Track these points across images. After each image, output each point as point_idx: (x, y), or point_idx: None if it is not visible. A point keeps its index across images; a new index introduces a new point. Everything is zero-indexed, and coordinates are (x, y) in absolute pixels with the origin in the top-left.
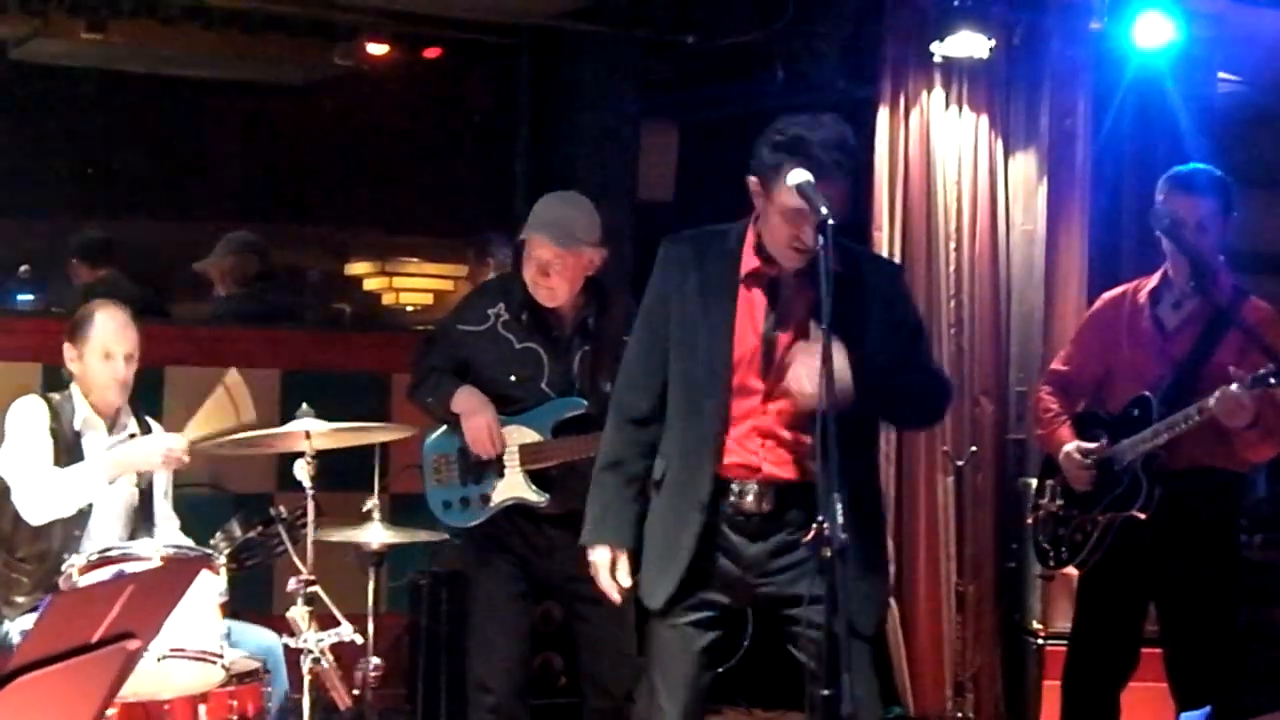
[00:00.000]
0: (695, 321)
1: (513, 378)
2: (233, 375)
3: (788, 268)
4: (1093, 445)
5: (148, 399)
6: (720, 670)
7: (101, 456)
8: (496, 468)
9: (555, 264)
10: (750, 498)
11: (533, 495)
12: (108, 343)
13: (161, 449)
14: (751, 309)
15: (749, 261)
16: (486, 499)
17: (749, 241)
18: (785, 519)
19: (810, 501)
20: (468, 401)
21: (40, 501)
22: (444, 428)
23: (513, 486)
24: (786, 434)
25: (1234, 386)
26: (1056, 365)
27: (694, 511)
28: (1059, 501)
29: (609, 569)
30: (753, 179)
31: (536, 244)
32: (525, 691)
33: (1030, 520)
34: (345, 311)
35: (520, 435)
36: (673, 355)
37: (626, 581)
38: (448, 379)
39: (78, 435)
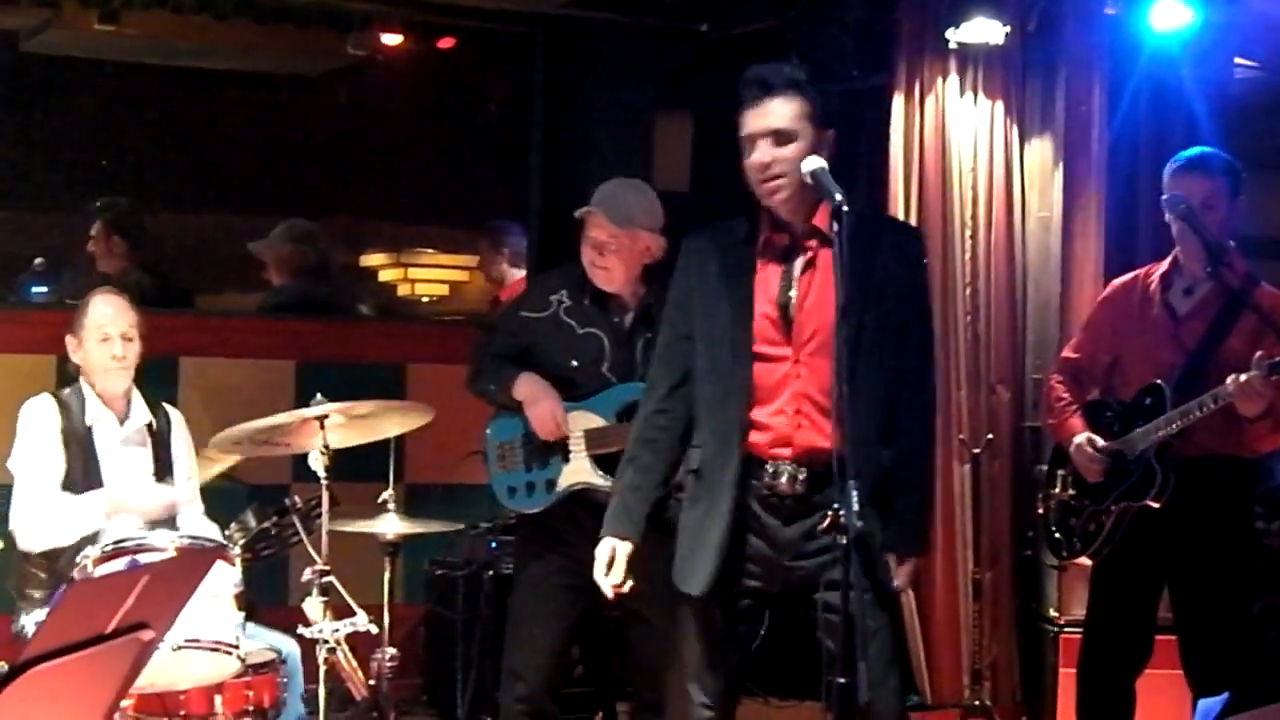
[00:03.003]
0: (718, 305)
1: (575, 363)
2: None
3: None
4: (1103, 443)
5: (164, 389)
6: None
7: (103, 495)
8: (562, 453)
9: (610, 244)
10: (784, 479)
11: (599, 480)
12: (104, 325)
13: (165, 502)
14: (767, 278)
15: (763, 235)
16: (552, 484)
17: (764, 219)
18: (819, 501)
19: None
20: (530, 388)
21: (39, 529)
22: (506, 414)
23: (578, 471)
24: (820, 398)
25: (1251, 373)
26: (1068, 353)
27: (725, 491)
28: (1070, 491)
29: (606, 564)
30: None
31: (591, 222)
32: (557, 684)
33: (1040, 510)
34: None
35: (585, 420)
36: (699, 343)
37: (618, 579)
38: (508, 366)
39: (89, 430)
